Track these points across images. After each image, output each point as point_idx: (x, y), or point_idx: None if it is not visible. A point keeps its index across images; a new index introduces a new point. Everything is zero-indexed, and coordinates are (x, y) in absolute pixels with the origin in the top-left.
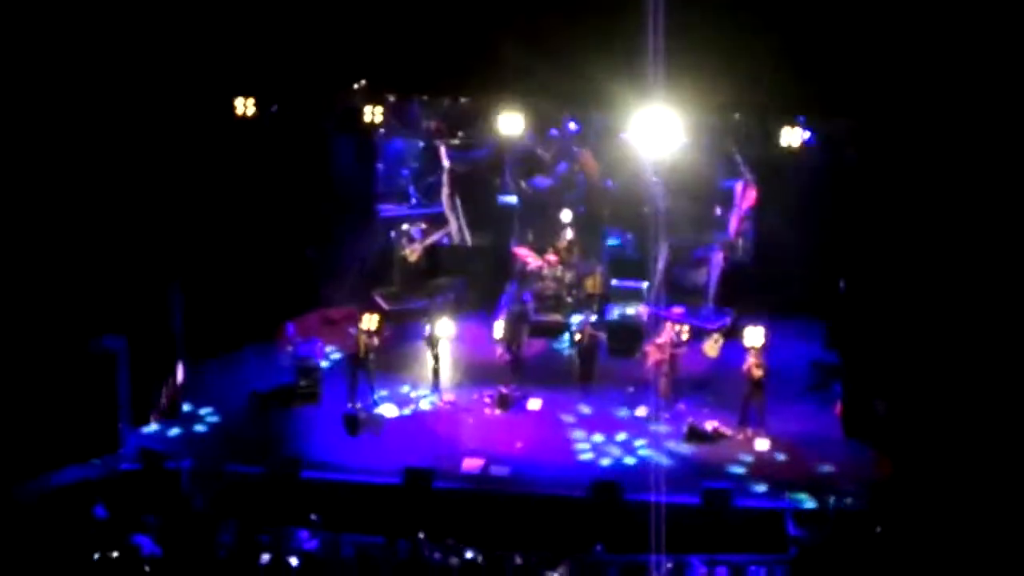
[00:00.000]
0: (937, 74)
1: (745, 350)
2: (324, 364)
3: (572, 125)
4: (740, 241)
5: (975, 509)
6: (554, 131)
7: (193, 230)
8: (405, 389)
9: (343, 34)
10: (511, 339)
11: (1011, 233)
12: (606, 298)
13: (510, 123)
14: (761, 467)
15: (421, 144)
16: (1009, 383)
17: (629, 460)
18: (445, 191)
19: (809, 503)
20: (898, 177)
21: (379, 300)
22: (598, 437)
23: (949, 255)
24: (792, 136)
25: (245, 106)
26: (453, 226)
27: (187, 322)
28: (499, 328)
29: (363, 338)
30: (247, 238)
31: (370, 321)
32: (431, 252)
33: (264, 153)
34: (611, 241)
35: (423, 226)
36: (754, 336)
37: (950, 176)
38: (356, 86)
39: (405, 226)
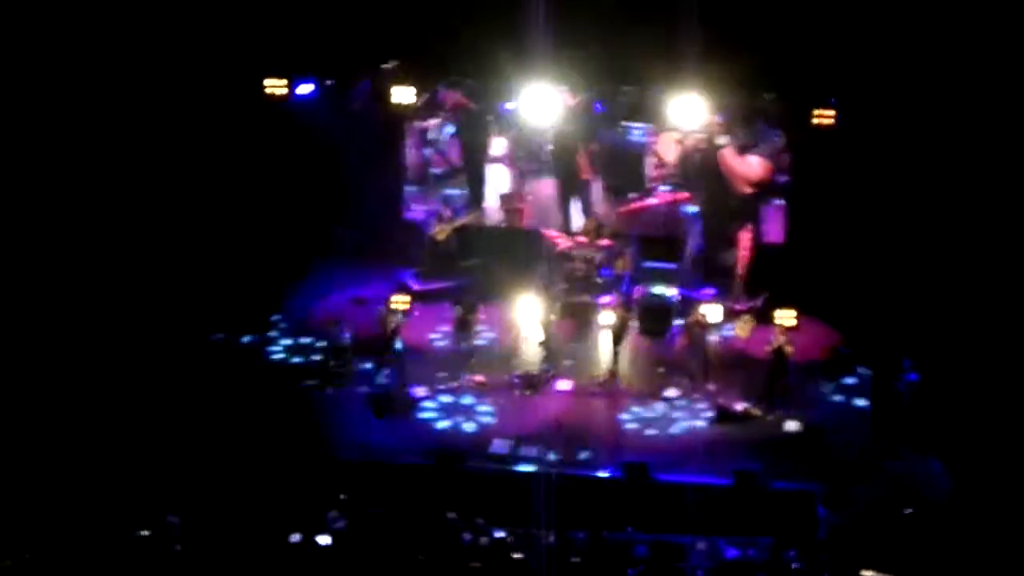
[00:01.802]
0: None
1: (775, 331)
2: (353, 344)
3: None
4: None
5: (1005, 490)
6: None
7: (219, 210)
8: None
9: (375, 11)
10: (540, 320)
11: None
12: (636, 279)
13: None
14: (791, 448)
15: None
16: None
17: (658, 441)
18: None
19: None
20: (924, 158)
21: (408, 280)
22: (627, 418)
23: (973, 237)
24: (824, 116)
25: (275, 86)
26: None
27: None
28: (528, 309)
29: (392, 318)
30: (274, 218)
31: (399, 301)
32: (460, 232)
33: (292, 133)
34: None
35: (452, 206)
36: (784, 317)
37: (974, 160)
38: (386, 66)
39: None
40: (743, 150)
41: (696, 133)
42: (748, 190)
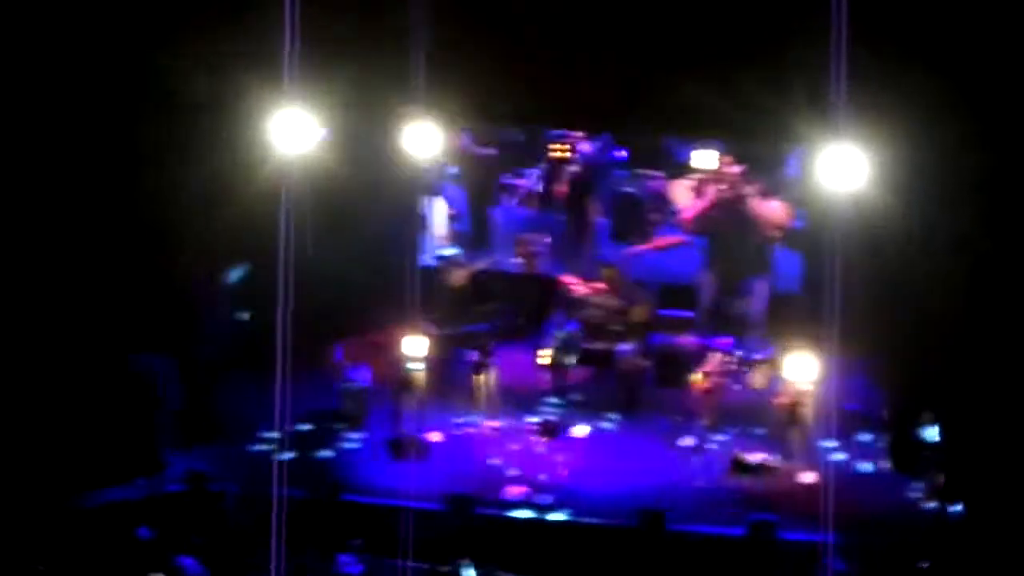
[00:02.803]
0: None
1: (790, 381)
2: (370, 388)
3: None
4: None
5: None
6: None
7: (241, 250)
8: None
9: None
10: (557, 367)
11: None
12: (653, 327)
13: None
14: (807, 500)
15: None
16: None
17: (673, 490)
18: None
19: None
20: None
21: (425, 325)
22: (644, 466)
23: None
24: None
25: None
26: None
27: (234, 342)
28: (545, 355)
29: (409, 363)
30: (294, 260)
31: (416, 346)
32: (476, 277)
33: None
34: None
35: (465, 252)
36: (800, 366)
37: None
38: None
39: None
40: (766, 195)
41: (718, 181)
42: (776, 234)
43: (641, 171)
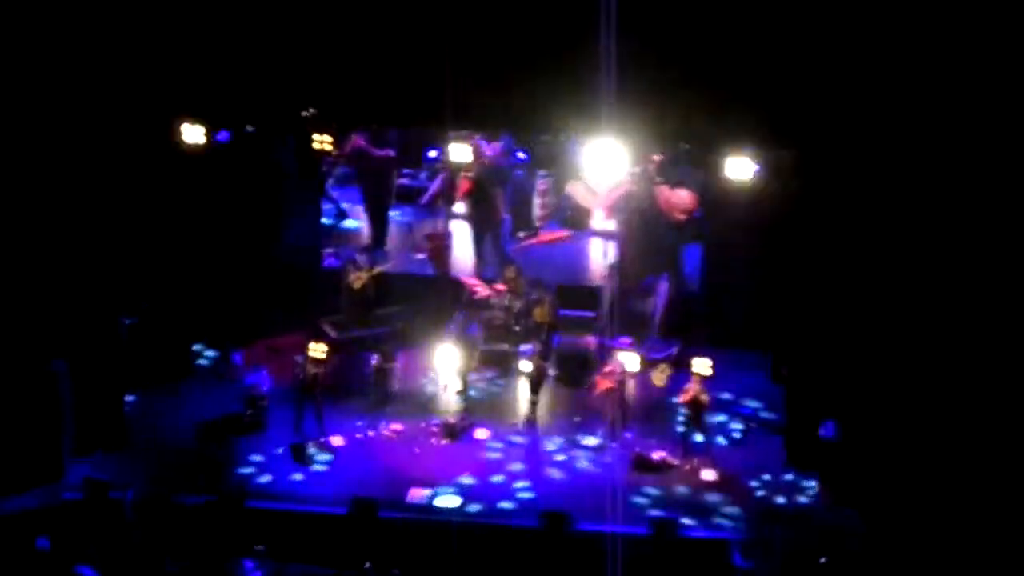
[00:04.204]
0: (883, 102)
1: (691, 380)
2: (270, 393)
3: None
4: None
5: (926, 537)
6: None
7: (138, 256)
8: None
9: (294, 60)
10: (459, 368)
11: (961, 258)
12: (555, 327)
13: (459, 151)
14: (708, 497)
15: None
16: (961, 407)
17: (575, 490)
18: None
19: None
20: (843, 208)
21: (326, 328)
22: (546, 467)
23: (896, 282)
24: (739, 167)
25: (193, 132)
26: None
27: (131, 350)
28: (446, 357)
29: (310, 367)
30: (191, 265)
31: (317, 350)
32: (377, 280)
33: (211, 180)
34: None
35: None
36: (701, 366)
37: (897, 206)
38: (305, 114)
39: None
40: (676, 185)
41: (625, 178)
42: (682, 217)
43: (541, 172)
